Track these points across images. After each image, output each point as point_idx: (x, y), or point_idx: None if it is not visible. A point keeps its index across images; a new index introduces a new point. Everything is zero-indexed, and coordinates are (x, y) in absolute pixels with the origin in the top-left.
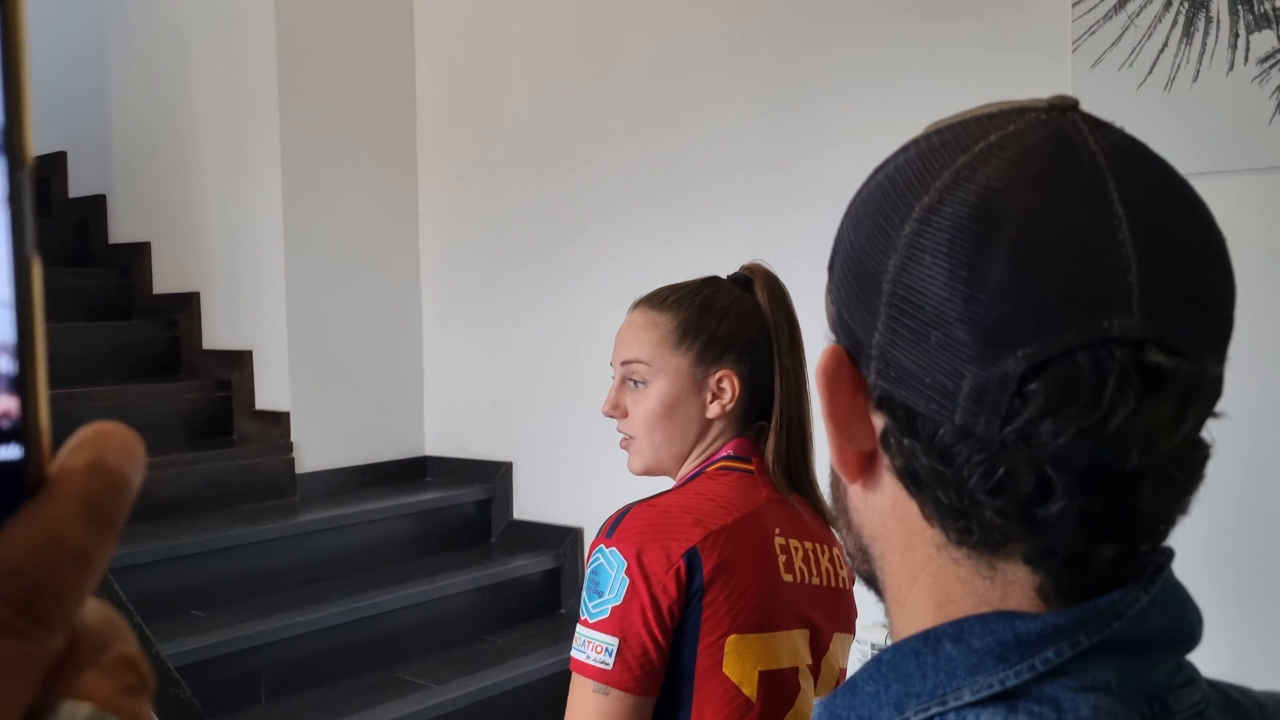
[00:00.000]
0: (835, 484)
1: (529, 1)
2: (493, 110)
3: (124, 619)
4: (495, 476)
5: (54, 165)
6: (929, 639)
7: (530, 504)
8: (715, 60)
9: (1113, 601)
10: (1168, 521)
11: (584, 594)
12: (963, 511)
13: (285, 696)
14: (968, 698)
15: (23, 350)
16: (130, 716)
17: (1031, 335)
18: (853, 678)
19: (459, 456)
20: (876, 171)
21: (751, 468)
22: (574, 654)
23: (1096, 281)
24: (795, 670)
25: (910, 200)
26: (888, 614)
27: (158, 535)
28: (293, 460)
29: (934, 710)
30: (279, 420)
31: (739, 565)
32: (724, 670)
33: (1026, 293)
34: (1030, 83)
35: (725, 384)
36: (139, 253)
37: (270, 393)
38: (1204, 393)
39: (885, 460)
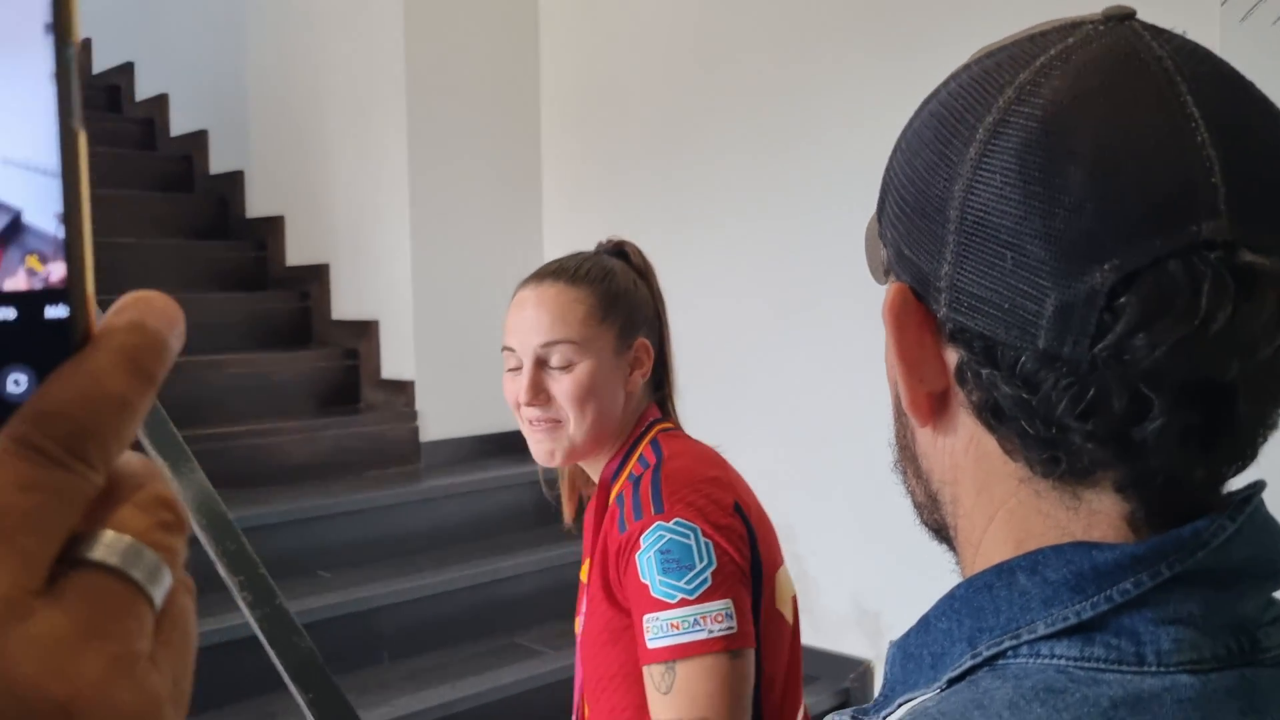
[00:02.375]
0: (901, 432)
1: None
2: (616, 82)
3: (164, 472)
4: None
5: (196, 143)
6: (1003, 572)
7: None
8: (839, 30)
9: (1196, 530)
10: (1260, 435)
11: (660, 579)
12: (1050, 440)
13: (406, 658)
14: (1042, 631)
15: (70, 217)
16: (164, 548)
17: (1117, 247)
18: (925, 615)
19: None
20: (927, 101)
21: (672, 426)
22: (685, 639)
23: (1180, 186)
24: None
25: (972, 122)
26: (960, 560)
27: (287, 498)
28: (417, 428)
29: (1006, 644)
30: (404, 389)
31: (755, 507)
32: (776, 605)
33: (1108, 204)
34: None
35: (642, 355)
36: (273, 226)
37: (396, 362)
38: None
39: (960, 397)
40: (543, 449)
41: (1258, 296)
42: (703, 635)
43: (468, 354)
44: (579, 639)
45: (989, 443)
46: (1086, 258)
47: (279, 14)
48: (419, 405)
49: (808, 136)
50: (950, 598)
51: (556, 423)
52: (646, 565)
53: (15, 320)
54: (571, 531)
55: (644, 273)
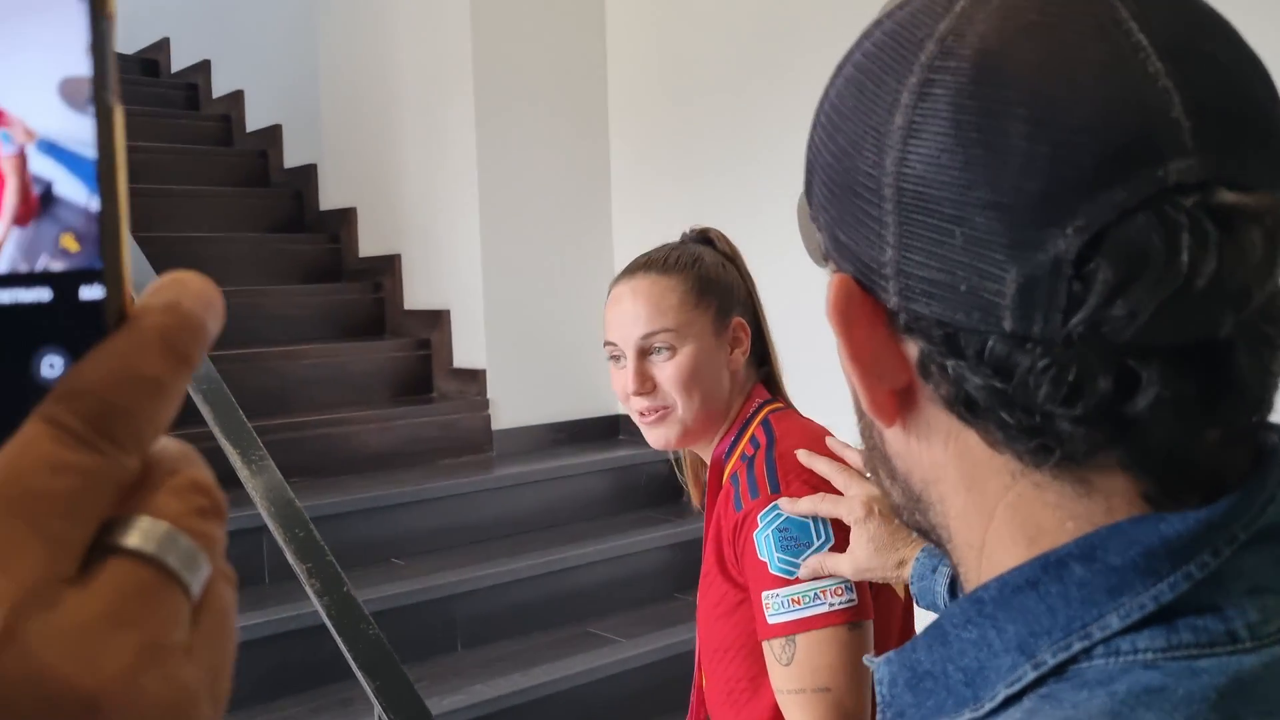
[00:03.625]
0: (868, 432)
1: None
2: (684, 69)
3: (202, 457)
4: None
5: (271, 138)
6: (1049, 565)
7: None
8: None
9: (1263, 484)
10: (1270, 386)
11: (779, 556)
12: (1035, 429)
13: (480, 645)
14: (1116, 625)
15: (105, 195)
16: (200, 535)
17: (1076, 205)
18: (938, 625)
19: None
20: (841, 66)
21: (782, 405)
22: (806, 613)
23: (1138, 126)
24: None
25: (894, 86)
26: (958, 562)
27: (362, 487)
28: (489, 417)
29: (1076, 646)
30: (476, 378)
31: None
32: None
33: (1060, 157)
34: None
35: (740, 333)
36: (346, 218)
37: (467, 351)
38: None
39: (927, 391)
40: (656, 436)
41: (1243, 239)
42: (823, 609)
43: (539, 342)
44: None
45: (969, 436)
46: (1044, 222)
47: (351, 10)
48: (491, 394)
49: None
50: (975, 601)
51: (665, 410)
52: (765, 543)
53: (50, 301)
54: (638, 517)
55: (731, 256)
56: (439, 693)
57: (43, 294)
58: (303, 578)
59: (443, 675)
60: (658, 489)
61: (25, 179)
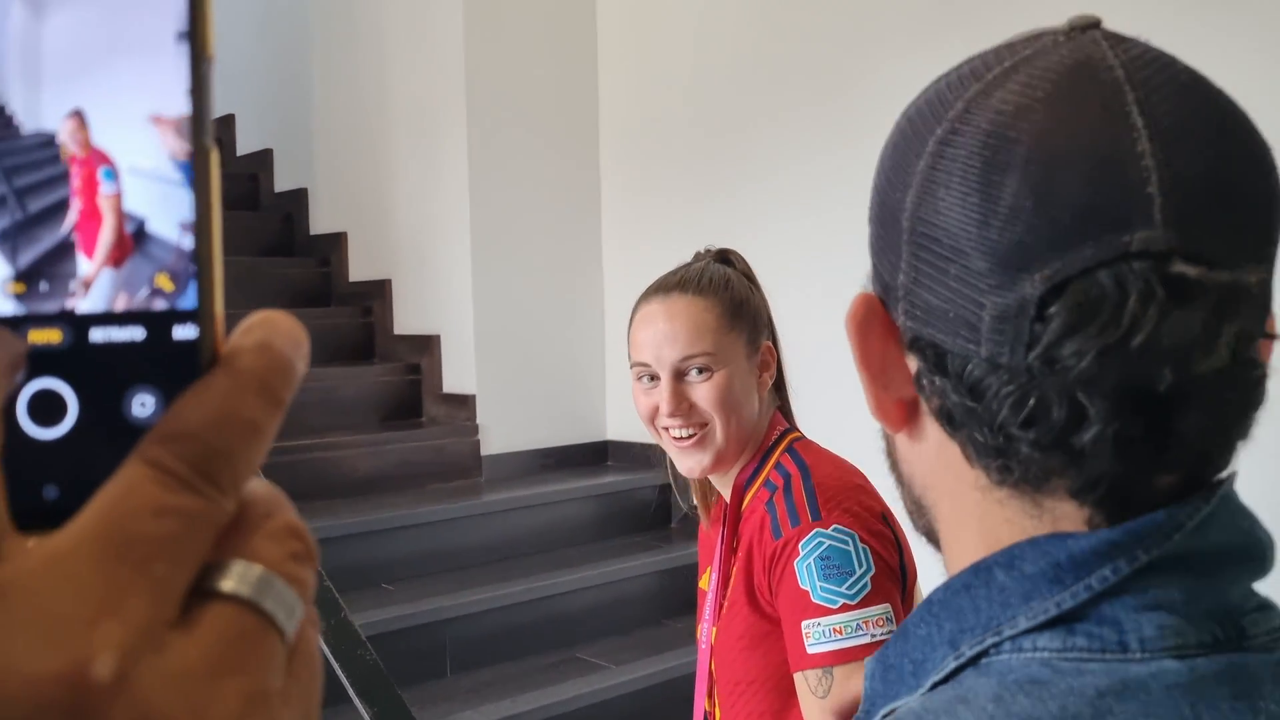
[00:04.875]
0: (887, 438)
1: None
2: (675, 100)
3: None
4: None
5: (262, 162)
6: (979, 571)
7: None
8: (898, 46)
9: (1171, 514)
10: (1226, 447)
11: (821, 585)
12: (999, 449)
13: (469, 670)
14: (1023, 625)
15: (200, 236)
16: (296, 580)
17: (1049, 256)
18: (903, 624)
19: (641, 441)
20: (904, 111)
21: (800, 435)
22: (848, 644)
23: (1114, 196)
24: None
25: (924, 134)
26: (946, 566)
27: (352, 511)
28: (478, 442)
29: (989, 641)
30: (465, 403)
31: (894, 517)
32: None
33: (1041, 213)
34: None
35: (769, 357)
36: (336, 243)
37: (457, 376)
38: (1244, 303)
39: (924, 404)
40: (690, 463)
41: (1189, 308)
42: (865, 639)
43: (529, 367)
44: (709, 645)
45: (953, 449)
46: (1020, 267)
47: (342, 37)
48: (480, 419)
49: (875, 148)
50: (928, 603)
51: (702, 435)
52: (806, 572)
53: (144, 340)
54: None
55: (751, 277)
56: (427, 718)
57: (136, 333)
58: None
59: (432, 700)
60: (646, 515)
61: (121, 218)
